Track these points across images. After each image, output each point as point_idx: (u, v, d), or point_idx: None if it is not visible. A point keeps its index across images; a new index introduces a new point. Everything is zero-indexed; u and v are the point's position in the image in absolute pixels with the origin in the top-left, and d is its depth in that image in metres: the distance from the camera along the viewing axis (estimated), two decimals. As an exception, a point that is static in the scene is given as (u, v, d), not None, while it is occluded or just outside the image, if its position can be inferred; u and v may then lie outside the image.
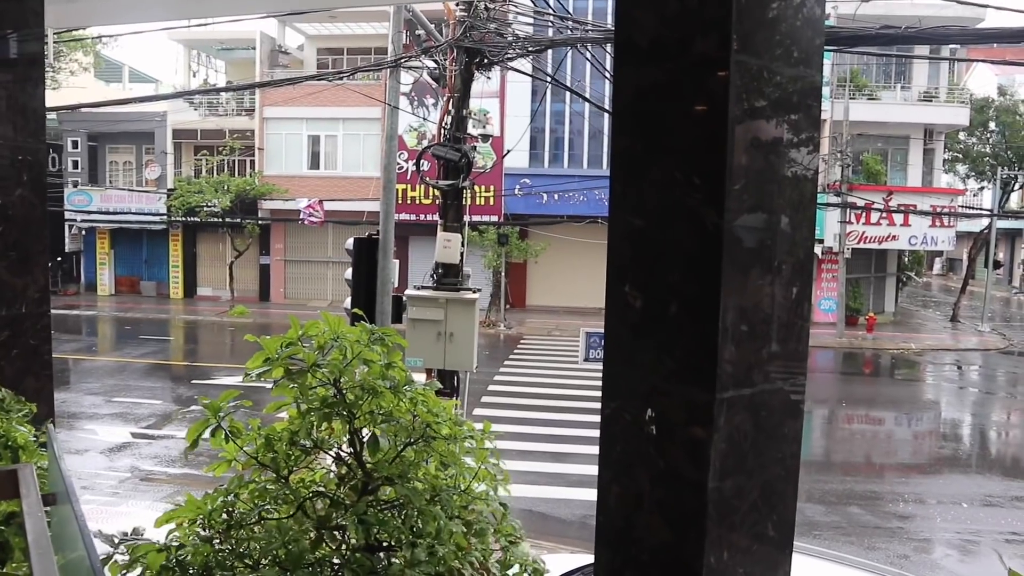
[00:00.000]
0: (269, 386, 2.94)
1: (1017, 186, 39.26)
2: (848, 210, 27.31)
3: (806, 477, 12.95)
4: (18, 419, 3.52)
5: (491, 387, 18.38)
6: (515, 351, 24.04)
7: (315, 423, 2.79)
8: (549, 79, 15.01)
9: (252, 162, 32.59)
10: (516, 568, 2.93)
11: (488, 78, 10.74)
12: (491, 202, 29.43)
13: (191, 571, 2.74)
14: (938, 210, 29.56)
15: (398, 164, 21.06)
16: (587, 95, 19.42)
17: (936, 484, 13.17)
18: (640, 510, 2.04)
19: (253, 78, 32.76)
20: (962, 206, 34.68)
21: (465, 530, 2.73)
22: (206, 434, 2.87)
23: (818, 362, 25.24)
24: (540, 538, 9.21)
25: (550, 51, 15.10)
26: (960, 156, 37.82)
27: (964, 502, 11.92)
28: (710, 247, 1.83)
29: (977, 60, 30.73)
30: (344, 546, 2.80)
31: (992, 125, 36.22)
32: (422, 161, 10.87)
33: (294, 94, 28.23)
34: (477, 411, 15.14)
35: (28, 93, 4.10)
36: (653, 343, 1.95)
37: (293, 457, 2.89)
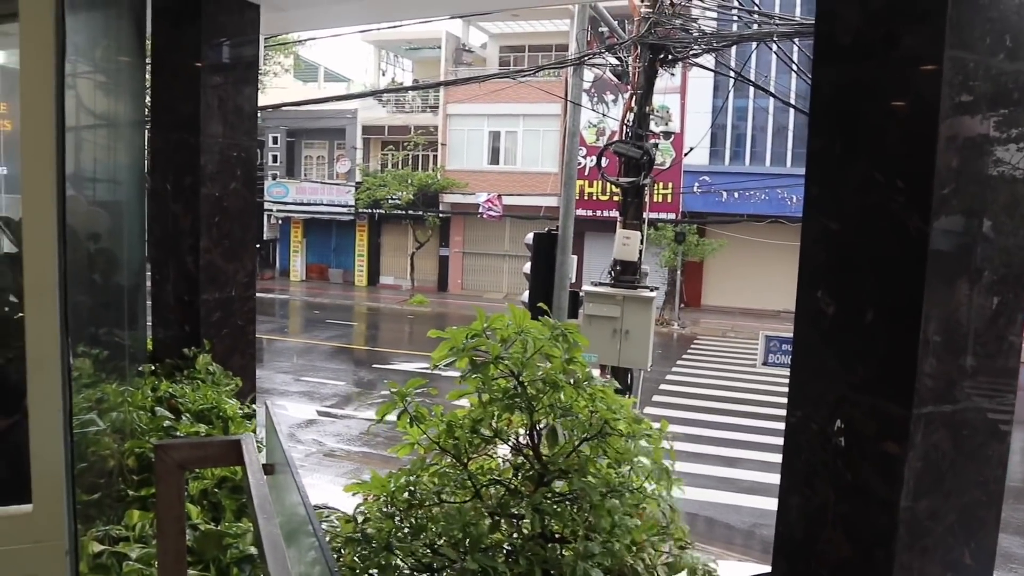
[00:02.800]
0: (450, 375, 3.05)
1: None
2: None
3: (1007, 504, 11.96)
4: (227, 392, 3.86)
5: (663, 386, 18.16)
6: (688, 351, 23.62)
7: (496, 413, 2.87)
8: (733, 74, 14.61)
9: (435, 157, 33.76)
10: (685, 573, 2.91)
11: (672, 75, 10.60)
12: (669, 199, 29.02)
13: (373, 544, 2.90)
14: None
15: (577, 160, 21.19)
16: (772, 90, 18.76)
17: None
18: (823, 524, 1.97)
19: (438, 76, 33.92)
20: None
21: (639, 524, 2.74)
22: (391, 416, 3.03)
23: None
24: (706, 543, 9.02)
25: (734, 46, 14.70)
26: None
27: None
28: (913, 253, 1.74)
29: None
30: (518, 534, 2.88)
31: None
32: (603, 158, 10.88)
33: (476, 91, 29.00)
34: (648, 410, 15.01)
35: (243, 95, 4.45)
36: (845, 352, 1.88)
37: (473, 444, 2.99)
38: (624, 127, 9.68)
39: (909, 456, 1.79)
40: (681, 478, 3.07)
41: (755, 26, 11.25)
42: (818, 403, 1.97)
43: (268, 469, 1.85)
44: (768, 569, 2.25)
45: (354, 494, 3.16)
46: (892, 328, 1.81)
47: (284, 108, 27.31)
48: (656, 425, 2.93)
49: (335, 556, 2.99)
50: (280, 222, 35.81)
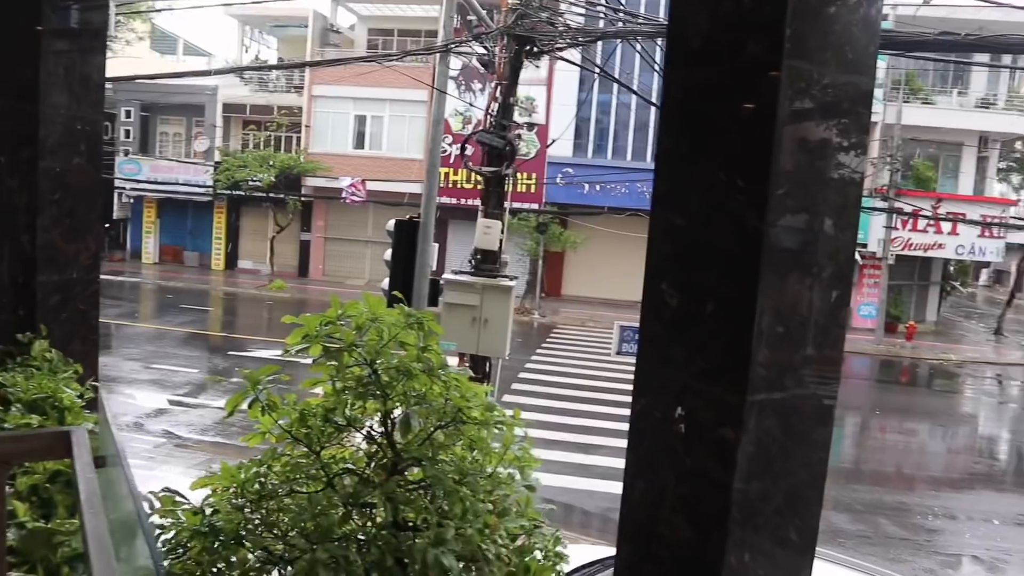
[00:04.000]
0: (305, 362, 3.00)
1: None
2: (894, 216, 26.86)
3: (834, 484, 12.82)
4: (65, 380, 3.64)
5: (521, 375, 18.43)
6: (547, 340, 24.06)
7: (349, 401, 2.84)
8: (597, 70, 14.93)
9: (298, 139, 32.91)
10: (539, 553, 2.97)
11: (537, 66, 10.74)
12: (532, 190, 29.42)
13: (222, 536, 2.82)
14: (988, 220, 28.95)
15: (442, 148, 21.15)
16: (635, 87, 19.30)
17: (968, 499, 12.96)
18: (663, 507, 2.06)
19: (304, 55, 33.05)
20: (1014, 217, 33.91)
21: (492, 508, 2.77)
22: (243, 405, 2.94)
23: (854, 368, 24.92)
24: (562, 528, 9.23)
25: (600, 42, 15.01)
26: (1015, 166, 37.00)
27: (996, 519, 11.72)
28: (749, 249, 1.84)
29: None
30: (371, 523, 2.86)
31: (1050, 136, 35.39)
32: (467, 146, 10.89)
33: (343, 73, 28.46)
34: (507, 398, 15.21)
35: (89, 64, 4.20)
36: (687, 342, 1.97)
37: (326, 433, 2.94)
38: (489, 116, 9.73)
39: (743, 441, 1.90)
40: (538, 462, 3.13)
41: (620, 24, 11.53)
42: (661, 391, 2.05)
43: (100, 462, 1.76)
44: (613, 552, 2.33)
45: (202, 487, 3.06)
46: (730, 320, 1.91)
47: (138, 80, 25.92)
48: (509, 412, 2.97)
49: (181, 550, 2.89)
50: (132, 201, 34.05)
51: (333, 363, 2.81)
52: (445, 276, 9.58)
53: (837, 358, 2.10)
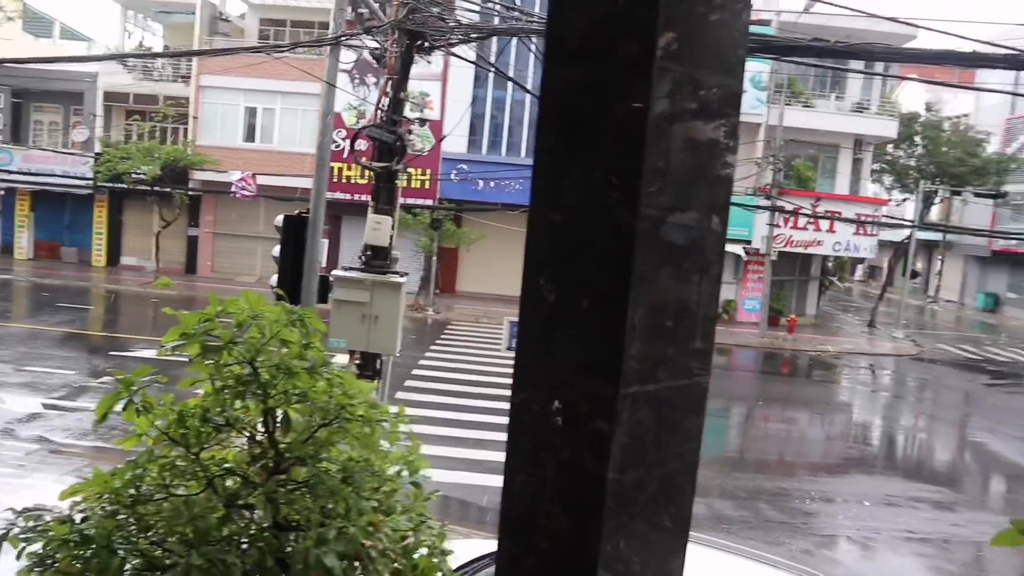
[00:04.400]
0: (187, 361, 2.91)
1: (938, 199, 40.78)
2: (777, 214, 27.97)
3: (719, 473, 13.29)
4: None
5: (415, 371, 18.36)
6: (441, 336, 24.03)
7: (229, 401, 2.78)
8: (490, 67, 14.99)
9: (185, 130, 31.78)
10: (425, 550, 2.97)
11: (428, 62, 10.69)
12: (426, 186, 29.28)
13: (93, 545, 2.70)
14: (862, 219, 30.51)
15: (335, 142, 20.80)
16: (528, 85, 19.45)
17: (842, 483, 13.64)
18: (543, 499, 2.09)
19: (191, 44, 31.97)
20: (886, 216, 35.82)
21: (377, 506, 2.76)
22: (118, 407, 2.83)
23: (740, 361, 25.85)
24: (457, 523, 9.26)
25: (494, 39, 15.07)
26: (887, 167, 39.08)
27: (867, 501, 12.38)
28: (623, 245, 1.88)
29: (905, 77, 31.70)
30: (253, 525, 2.80)
31: (918, 139, 37.50)
32: (358, 141, 10.76)
33: (233, 64, 27.61)
34: (400, 395, 15.11)
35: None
36: (564, 337, 2.00)
37: (205, 434, 2.87)
38: (379, 111, 9.63)
39: (617, 433, 1.94)
40: (427, 462, 3.13)
41: (513, 21, 11.61)
42: (539, 385, 2.08)
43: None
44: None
45: (72, 496, 2.92)
46: (604, 315, 1.95)
47: (9, 64, 24.53)
48: (394, 409, 2.96)
49: (50, 562, 2.76)
50: (3, 193, 32.17)
51: (211, 361, 2.74)
52: (335, 272, 9.43)
53: (708, 350, 2.17)
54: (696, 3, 2.07)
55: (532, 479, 2.26)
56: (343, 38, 10.04)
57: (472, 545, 6.04)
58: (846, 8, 11.56)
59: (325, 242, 9.59)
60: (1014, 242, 43.19)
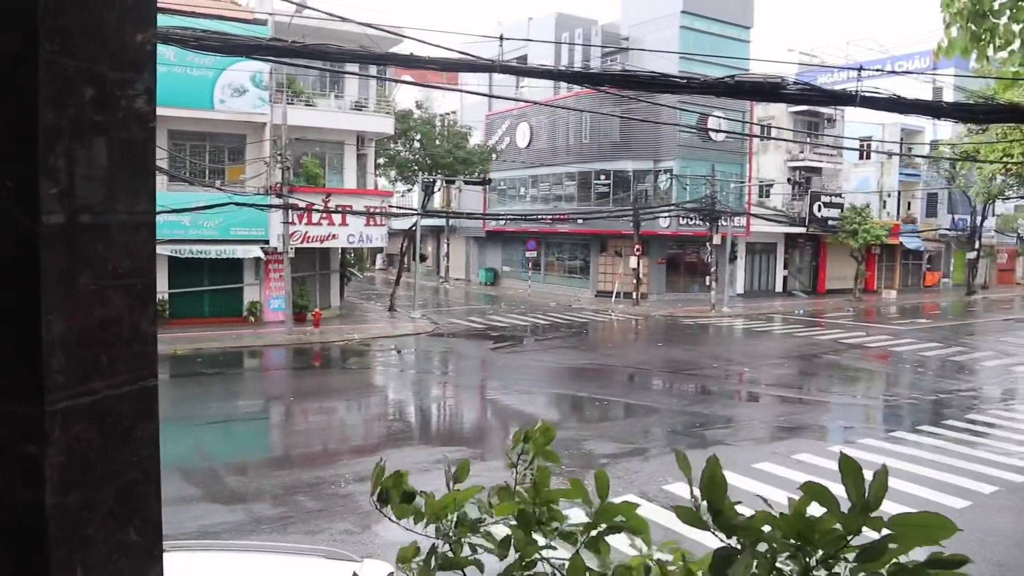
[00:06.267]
0: None
1: (437, 188, 44.79)
2: (290, 211, 28.36)
3: (255, 476, 13.18)
4: None
5: None
6: None
7: None
8: None
9: None
10: None
11: None
12: None
13: None
14: (371, 210, 32.31)
15: None
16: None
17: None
18: (-24, 543, 1.87)
19: None
20: (393, 206, 38.38)
21: None
22: None
23: (271, 360, 25.83)
24: None
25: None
26: (389, 161, 41.85)
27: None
28: (26, 254, 1.75)
29: (401, 81, 34.18)
30: None
31: (413, 134, 40.78)
32: None
33: None
34: None
35: None
36: (-27, 360, 1.80)
37: None
38: None
39: (49, 453, 1.81)
40: None
41: None
42: (-50, 418, 1.85)
43: None
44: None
45: None
46: (15, 331, 1.80)
47: None
48: None
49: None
50: None
51: None
52: None
53: (151, 352, 2.12)
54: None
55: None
56: None
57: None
58: (333, 16, 12.13)
59: None
60: (503, 222, 49.36)
